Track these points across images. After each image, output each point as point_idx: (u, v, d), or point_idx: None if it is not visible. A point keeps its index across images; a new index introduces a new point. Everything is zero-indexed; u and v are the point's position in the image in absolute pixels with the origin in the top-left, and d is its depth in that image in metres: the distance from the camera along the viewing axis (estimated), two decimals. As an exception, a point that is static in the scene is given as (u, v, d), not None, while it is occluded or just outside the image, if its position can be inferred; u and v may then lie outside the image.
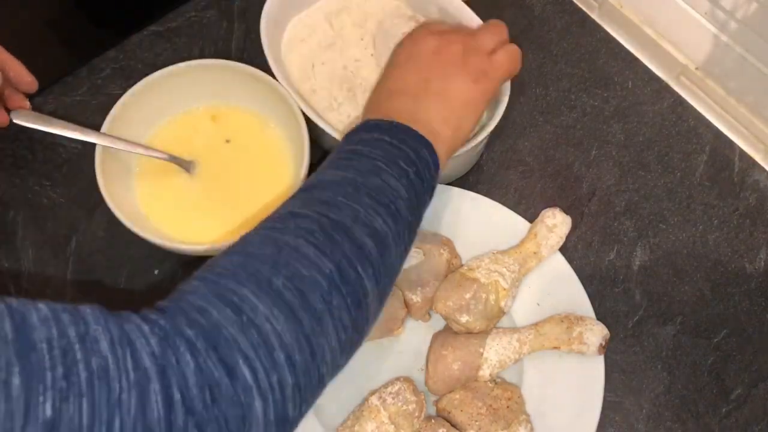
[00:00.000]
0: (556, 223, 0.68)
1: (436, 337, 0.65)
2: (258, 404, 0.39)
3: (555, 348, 0.64)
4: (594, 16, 0.83)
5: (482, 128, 0.66)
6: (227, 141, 0.71)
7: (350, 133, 0.56)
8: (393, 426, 0.60)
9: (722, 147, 0.77)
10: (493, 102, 0.66)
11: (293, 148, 0.69)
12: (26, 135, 0.73)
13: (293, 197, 0.51)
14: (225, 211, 0.67)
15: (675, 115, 0.78)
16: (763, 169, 0.76)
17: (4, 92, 0.66)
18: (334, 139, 0.64)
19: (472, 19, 0.69)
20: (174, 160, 0.68)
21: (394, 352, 0.66)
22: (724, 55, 0.73)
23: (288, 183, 0.68)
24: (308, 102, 0.68)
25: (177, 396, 0.37)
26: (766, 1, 0.65)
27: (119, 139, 0.66)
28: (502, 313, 0.65)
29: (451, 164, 0.69)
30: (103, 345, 0.36)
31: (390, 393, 0.61)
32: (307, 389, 0.43)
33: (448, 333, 0.65)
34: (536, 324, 0.65)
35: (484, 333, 0.64)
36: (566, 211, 0.69)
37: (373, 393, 0.62)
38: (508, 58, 0.60)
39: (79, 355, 0.35)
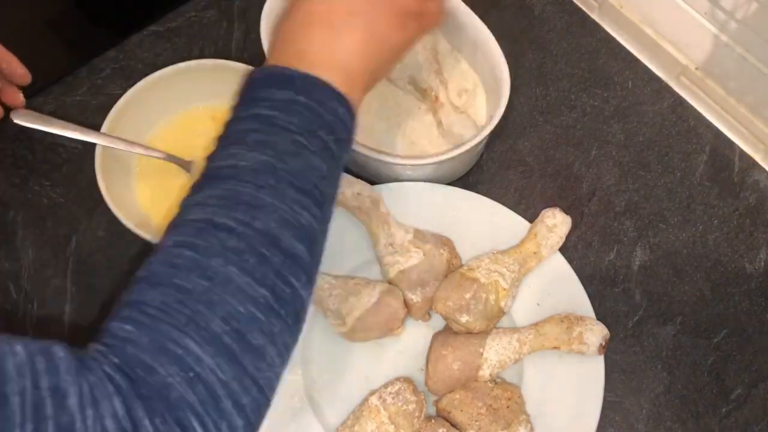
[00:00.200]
0: (556, 223, 0.68)
1: (436, 337, 0.65)
2: None
3: (555, 348, 0.64)
4: (594, 16, 0.83)
5: (482, 128, 0.66)
6: (227, 141, 0.71)
7: (260, 81, 0.50)
8: (393, 426, 0.60)
9: (722, 147, 0.77)
10: (494, 102, 0.66)
11: (293, 148, 0.69)
12: (26, 135, 0.73)
13: (209, 189, 0.47)
14: (225, 211, 0.67)
15: (675, 115, 0.78)
16: (763, 169, 0.76)
17: None
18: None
19: (471, 18, 0.68)
20: (174, 160, 0.68)
21: (394, 352, 0.66)
22: (724, 55, 0.73)
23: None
24: (308, 102, 0.68)
25: None
26: (766, 1, 0.65)
27: (119, 139, 0.66)
28: (502, 313, 0.65)
29: (451, 165, 0.70)
30: (71, 401, 0.36)
31: (390, 393, 0.61)
32: (258, 418, 0.43)
33: (448, 333, 0.65)
34: (536, 324, 0.65)
35: (484, 333, 0.64)
36: (566, 211, 0.69)
37: (373, 393, 0.62)
38: (438, 8, 0.57)
39: (49, 411, 0.36)
